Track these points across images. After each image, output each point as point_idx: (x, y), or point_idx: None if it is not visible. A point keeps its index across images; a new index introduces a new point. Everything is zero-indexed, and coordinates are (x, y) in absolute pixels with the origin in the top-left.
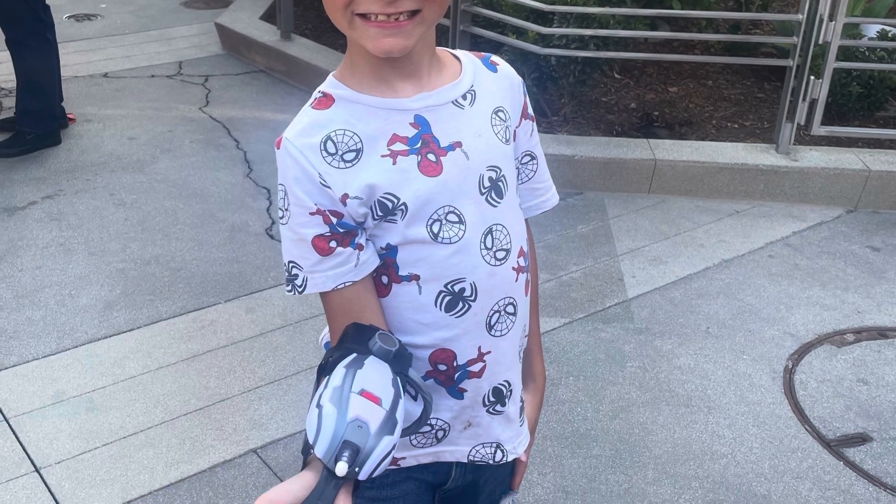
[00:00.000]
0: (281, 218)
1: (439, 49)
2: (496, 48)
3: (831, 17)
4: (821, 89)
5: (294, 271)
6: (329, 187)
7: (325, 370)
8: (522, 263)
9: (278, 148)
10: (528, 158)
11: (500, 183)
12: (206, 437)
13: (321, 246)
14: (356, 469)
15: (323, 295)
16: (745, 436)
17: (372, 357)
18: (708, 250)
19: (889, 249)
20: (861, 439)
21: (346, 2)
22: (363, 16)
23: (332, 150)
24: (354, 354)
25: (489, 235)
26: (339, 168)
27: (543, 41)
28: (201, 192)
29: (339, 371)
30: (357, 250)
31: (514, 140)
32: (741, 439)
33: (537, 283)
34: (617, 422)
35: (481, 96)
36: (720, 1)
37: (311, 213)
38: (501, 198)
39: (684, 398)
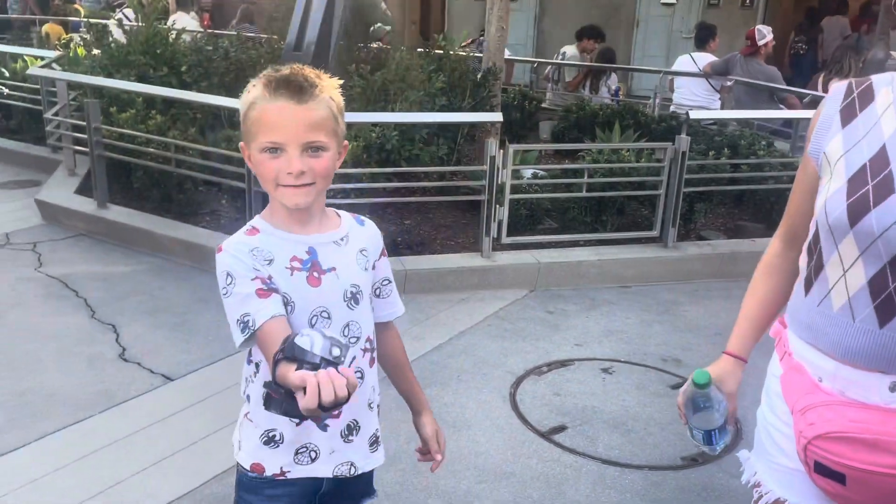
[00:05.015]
0: (226, 295)
1: (327, 208)
2: None
3: (503, 166)
4: (504, 213)
5: (246, 319)
6: (258, 269)
7: (277, 363)
8: (368, 346)
9: (220, 252)
10: (387, 282)
11: (357, 295)
12: None
13: (262, 294)
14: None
15: (260, 331)
16: (493, 439)
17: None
18: (448, 327)
19: (559, 312)
20: (561, 428)
21: (273, 177)
22: (283, 185)
23: (256, 255)
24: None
25: (347, 327)
26: (262, 263)
27: None
28: (54, 334)
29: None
30: (281, 299)
31: (374, 269)
32: (491, 441)
33: (404, 350)
34: (413, 444)
35: (352, 240)
36: (432, 158)
37: (252, 279)
38: (358, 304)
39: (450, 422)
